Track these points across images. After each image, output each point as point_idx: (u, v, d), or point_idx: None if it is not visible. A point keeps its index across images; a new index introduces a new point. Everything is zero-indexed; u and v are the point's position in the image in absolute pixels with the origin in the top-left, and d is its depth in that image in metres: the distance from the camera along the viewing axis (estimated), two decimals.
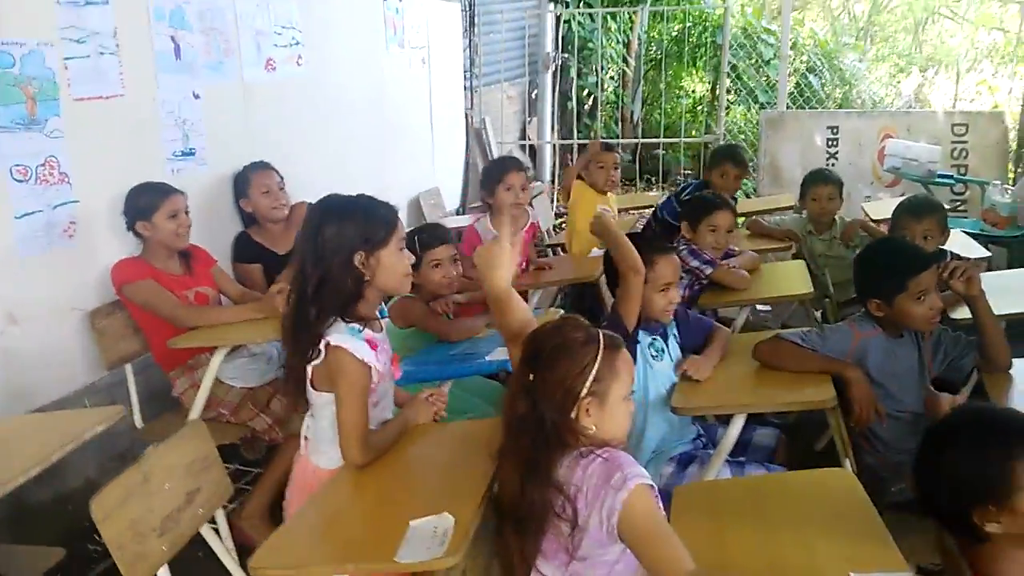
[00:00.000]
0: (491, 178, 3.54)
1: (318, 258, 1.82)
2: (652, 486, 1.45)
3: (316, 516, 1.64)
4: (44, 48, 2.78)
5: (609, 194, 4.20)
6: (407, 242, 2.64)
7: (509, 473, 1.54)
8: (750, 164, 6.19)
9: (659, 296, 2.33)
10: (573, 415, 1.50)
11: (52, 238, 2.83)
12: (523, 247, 3.58)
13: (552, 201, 6.75)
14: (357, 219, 1.84)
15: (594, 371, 1.49)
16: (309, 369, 1.84)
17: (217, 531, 2.21)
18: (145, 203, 2.88)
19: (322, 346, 1.80)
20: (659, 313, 2.36)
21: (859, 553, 1.46)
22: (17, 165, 2.69)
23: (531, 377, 1.52)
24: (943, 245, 3.08)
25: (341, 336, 1.79)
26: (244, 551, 2.06)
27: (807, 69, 8.45)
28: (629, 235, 2.64)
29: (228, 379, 2.81)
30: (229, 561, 1.98)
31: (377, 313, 1.95)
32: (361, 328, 1.84)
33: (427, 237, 2.76)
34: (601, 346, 1.52)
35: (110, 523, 1.59)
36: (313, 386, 1.86)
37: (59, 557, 2.06)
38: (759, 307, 4.86)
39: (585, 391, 1.50)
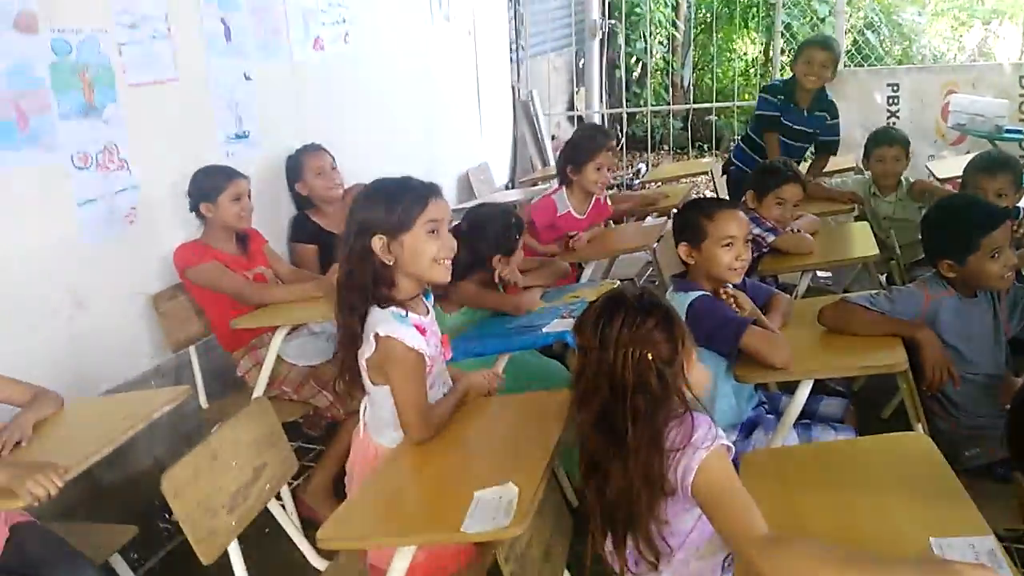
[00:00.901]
0: (581, 154, 3.52)
1: (346, 244, 1.82)
2: (730, 448, 1.43)
3: (380, 490, 1.64)
4: (99, 35, 2.83)
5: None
6: (501, 229, 2.71)
7: (644, 465, 1.49)
8: None
9: (722, 252, 2.26)
10: (681, 380, 1.51)
11: (114, 224, 2.89)
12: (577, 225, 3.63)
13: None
14: (379, 203, 1.81)
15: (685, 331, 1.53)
16: (362, 361, 1.83)
17: (283, 506, 2.25)
18: (211, 185, 2.92)
19: (372, 338, 1.78)
20: (725, 271, 2.27)
21: (938, 517, 1.41)
22: (78, 152, 2.75)
23: (645, 353, 1.49)
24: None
25: (388, 325, 1.77)
26: (309, 526, 2.10)
27: (865, 26, 8.15)
28: (686, 203, 2.62)
29: (290, 358, 2.85)
30: (296, 534, 2.00)
31: (421, 297, 1.91)
32: (405, 313, 1.82)
33: (518, 223, 2.77)
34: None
35: (181, 500, 1.62)
36: (369, 378, 1.85)
37: (132, 534, 2.11)
38: (819, 273, 4.74)
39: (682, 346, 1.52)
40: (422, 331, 1.82)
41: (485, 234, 2.74)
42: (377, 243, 1.79)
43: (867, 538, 1.41)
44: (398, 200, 1.80)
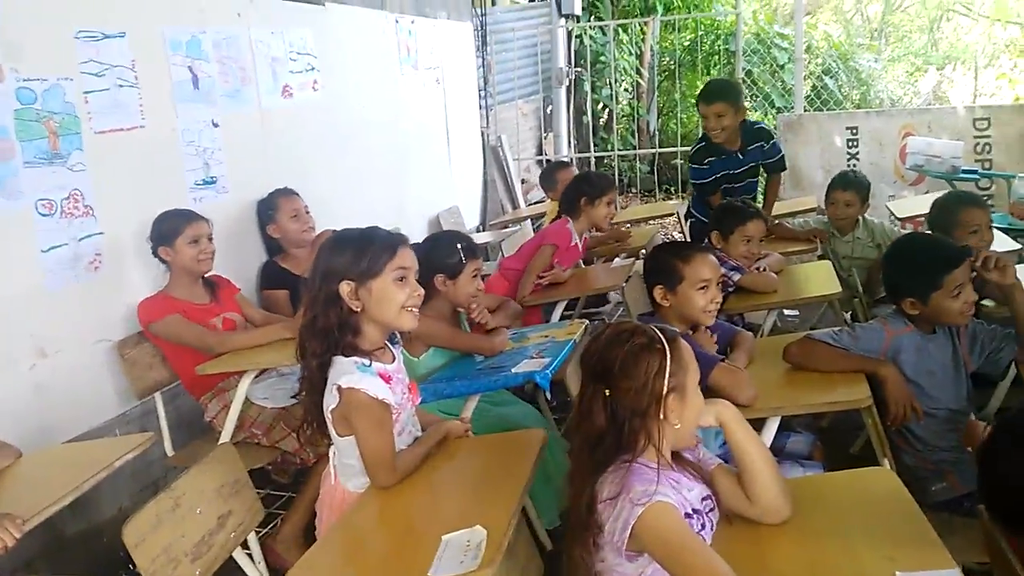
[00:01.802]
0: (596, 188, 3.86)
1: (311, 290, 1.83)
2: (674, 505, 1.41)
3: (347, 535, 1.62)
4: (64, 83, 2.82)
5: None
6: (443, 250, 2.69)
7: (579, 490, 1.51)
8: None
9: (698, 295, 2.30)
10: (661, 415, 1.49)
11: (78, 271, 2.86)
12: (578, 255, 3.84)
13: None
14: (348, 249, 1.82)
15: (668, 367, 1.49)
16: (327, 413, 1.81)
17: (250, 556, 2.21)
18: (167, 228, 2.91)
19: (335, 390, 1.77)
20: (699, 313, 2.32)
21: (904, 553, 1.42)
22: (42, 199, 2.73)
23: (607, 392, 1.50)
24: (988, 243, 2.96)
25: (351, 377, 1.76)
26: (279, 575, 2.06)
27: (823, 71, 8.40)
28: (658, 246, 2.65)
29: (259, 399, 2.83)
30: None
31: (386, 344, 1.91)
32: (368, 363, 1.81)
33: (467, 247, 2.72)
34: (666, 342, 1.51)
35: (143, 549, 1.59)
36: (334, 429, 1.83)
37: None
38: (786, 312, 4.81)
39: (666, 388, 1.49)
40: (387, 379, 1.81)
41: (429, 254, 2.71)
42: (345, 288, 1.79)
43: (834, 575, 1.42)
44: (367, 247, 1.81)
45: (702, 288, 2.30)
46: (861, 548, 1.46)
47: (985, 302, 2.64)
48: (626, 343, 1.51)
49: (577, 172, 4.60)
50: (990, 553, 1.56)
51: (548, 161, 7.71)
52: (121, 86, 3.07)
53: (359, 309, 1.80)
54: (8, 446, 2.07)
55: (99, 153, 2.93)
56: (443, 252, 2.70)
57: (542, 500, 2.62)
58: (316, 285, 1.82)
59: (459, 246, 2.69)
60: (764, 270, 3.17)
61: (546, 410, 3.18)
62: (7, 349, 2.60)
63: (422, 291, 1.87)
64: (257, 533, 2.55)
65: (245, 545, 2.14)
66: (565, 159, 7.69)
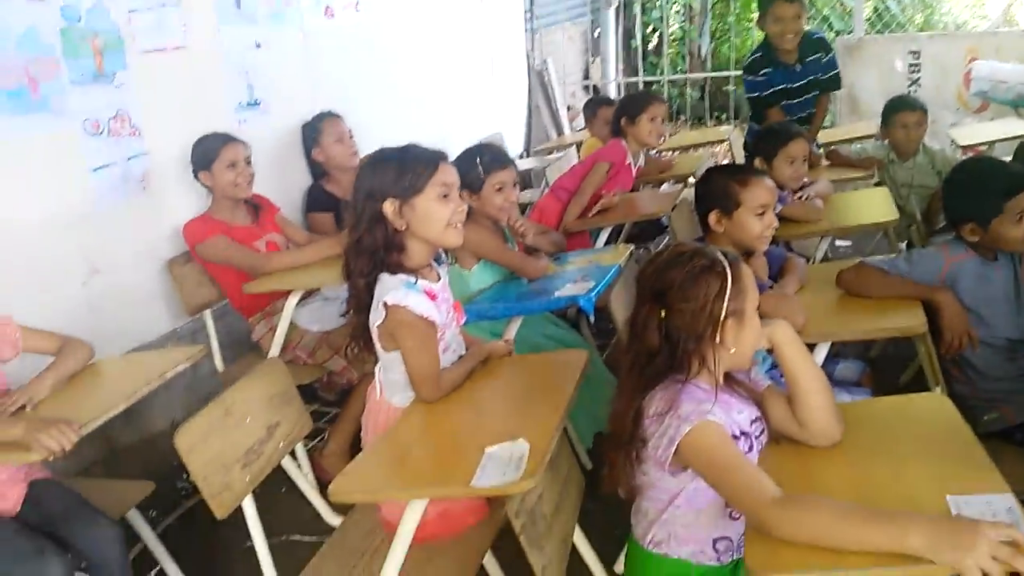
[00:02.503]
0: (635, 106, 3.74)
1: (355, 211, 1.81)
2: (722, 425, 1.40)
3: (392, 446, 1.64)
4: (108, 2, 2.81)
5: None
6: (464, 164, 2.64)
7: (627, 404, 1.50)
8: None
9: (755, 220, 2.24)
10: (717, 339, 1.47)
11: (128, 190, 2.90)
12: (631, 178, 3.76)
13: None
14: (389, 168, 1.79)
15: (728, 291, 1.45)
16: (374, 329, 1.82)
17: (299, 466, 2.27)
18: (203, 153, 2.91)
19: (381, 306, 1.77)
20: (755, 239, 2.26)
21: (955, 476, 1.38)
22: (89, 119, 2.75)
23: (663, 313, 1.48)
24: None
25: (397, 293, 1.75)
26: (325, 488, 2.11)
27: None
28: (712, 168, 2.57)
29: (304, 323, 2.86)
30: (310, 491, 2.02)
31: (432, 262, 1.90)
32: (415, 280, 1.80)
33: (490, 160, 2.65)
34: (727, 265, 1.47)
35: (195, 455, 1.62)
36: (380, 344, 1.84)
37: (149, 490, 2.13)
38: (839, 242, 4.69)
39: (724, 313, 1.46)
40: (433, 297, 1.81)
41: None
42: (389, 207, 1.77)
43: (883, 496, 1.39)
44: (408, 165, 1.79)
45: (760, 213, 2.23)
46: (911, 471, 1.43)
47: None
48: (687, 264, 1.47)
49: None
50: None
51: (595, 87, 7.54)
52: (164, 5, 3.05)
53: (404, 227, 1.79)
54: (80, 345, 2.10)
55: (143, 73, 2.94)
56: (464, 166, 2.64)
57: (580, 423, 2.63)
58: (360, 205, 1.80)
59: (478, 159, 2.62)
60: (810, 198, 3.07)
61: (588, 336, 3.17)
62: (61, 266, 2.67)
63: (465, 207, 1.85)
64: (304, 446, 2.64)
65: (294, 456, 2.21)
66: (611, 89, 7.51)
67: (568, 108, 7.00)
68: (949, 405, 1.65)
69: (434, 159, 1.82)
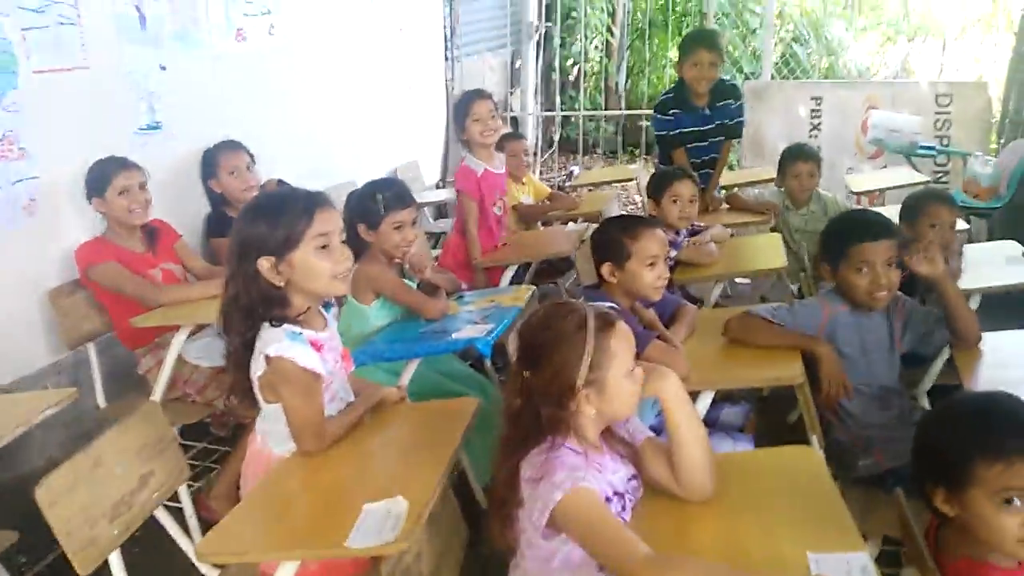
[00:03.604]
0: (459, 113, 3.58)
1: (229, 266, 1.73)
2: (594, 491, 1.41)
3: (268, 501, 1.60)
4: (1, 18, 2.70)
5: (527, 177, 4.47)
6: (363, 200, 2.62)
7: (502, 464, 1.50)
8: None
9: (646, 271, 2.28)
10: (573, 407, 1.47)
11: (12, 215, 2.77)
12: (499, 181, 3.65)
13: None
14: (261, 222, 1.69)
15: (587, 360, 1.44)
16: (254, 379, 1.75)
17: (181, 510, 2.18)
18: (96, 179, 2.82)
19: (262, 358, 1.70)
20: (648, 289, 2.30)
21: (817, 533, 1.44)
22: None
23: (525, 374, 1.48)
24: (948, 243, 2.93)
25: (280, 345, 1.68)
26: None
27: (793, 39, 8.36)
28: (605, 220, 2.61)
29: (194, 358, 2.77)
30: (185, 543, 1.94)
31: (319, 309, 1.84)
32: (299, 331, 1.73)
33: (391, 198, 2.62)
34: (591, 332, 1.46)
35: (57, 509, 1.56)
36: (262, 396, 1.78)
37: (11, 540, 2.03)
38: (738, 281, 4.85)
39: (582, 382, 1.45)
40: (318, 348, 1.75)
41: (353, 202, 2.67)
42: (264, 264, 1.69)
43: (750, 553, 1.43)
44: (282, 217, 1.69)
45: (650, 264, 2.28)
46: (777, 527, 1.48)
47: None
48: (551, 327, 1.48)
49: (525, 144, 4.49)
50: (902, 528, 1.61)
51: (514, 119, 7.62)
52: (62, 23, 2.95)
53: (283, 283, 1.71)
54: None
55: (37, 93, 2.83)
56: (364, 202, 2.63)
57: (478, 461, 2.63)
58: (234, 261, 1.72)
59: (379, 196, 2.60)
60: (704, 243, 3.17)
61: (492, 371, 3.17)
62: None
63: (350, 254, 1.78)
64: (191, 488, 2.55)
65: (177, 500, 2.13)
66: (529, 122, 7.60)
67: None
68: (818, 459, 1.72)
69: (309, 208, 1.72)
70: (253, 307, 1.71)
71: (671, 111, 4.06)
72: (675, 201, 3.19)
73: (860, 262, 2.21)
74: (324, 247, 1.72)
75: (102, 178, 2.81)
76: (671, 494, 1.58)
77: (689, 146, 4.09)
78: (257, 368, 1.72)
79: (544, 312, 1.53)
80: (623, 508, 1.49)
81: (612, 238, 2.32)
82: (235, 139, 3.49)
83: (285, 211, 1.70)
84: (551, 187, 4.94)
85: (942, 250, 2.43)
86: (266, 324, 1.72)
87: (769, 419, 3.10)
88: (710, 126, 4.10)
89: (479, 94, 3.61)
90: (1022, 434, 1.34)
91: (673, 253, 3.08)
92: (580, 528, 1.37)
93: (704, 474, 1.54)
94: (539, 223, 4.44)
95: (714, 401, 2.27)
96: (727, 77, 4.41)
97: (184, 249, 3.10)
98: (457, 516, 1.81)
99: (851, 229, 2.28)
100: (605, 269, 2.32)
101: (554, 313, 1.51)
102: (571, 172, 7.38)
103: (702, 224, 3.37)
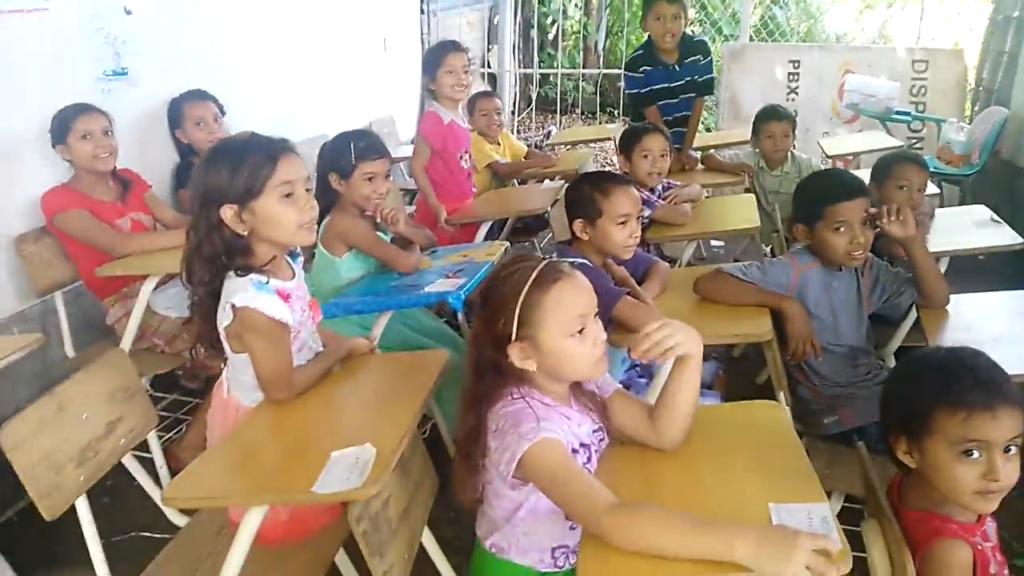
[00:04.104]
0: (431, 62, 3.52)
1: (192, 214, 1.69)
2: (560, 441, 1.41)
3: (235, 448, 1.59)
4: None
5: (502, 135, 4.43)
6: (336, 149, 2.58)
7: (467, 416, 1.50)
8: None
9: (617, 229, 2.27)
10: (509, 359, 1.46)
11: None
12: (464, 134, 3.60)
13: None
14: (223, 169, 1.64)
15: (516, 314, 1.42)
16: (221, 330, 1.72)
17: (152, 461, 2.18)
18: (58, 125, 2.76)
19: (228, 308, 1.67)
20: (618, 248, 2.30)
21: (779, 485, 1.45)
22: None
23: (479, 323, 1.48)
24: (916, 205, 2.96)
25: (246, 295, 1.65)
26: None
27: (772, 1, 8.31)
28: (579, 176, 2.59)
29: (163, 309, 2.75)
30: (154, 490, 1.94)
31: (286, 258, 1.81)
32: (266, 280, 1.69)
33: (364, 148, 2.57)
34: (527, 287, 1.43)
35: (21, 452, 1.54)
36: (229, 346, 1.76)
37: None
38: (712, 243, 4.87)
39: (513, 335, 1.43)
40: (285, 297, 1.73)
41: (325, 152, 2.63)
42: (227, 213, 1.65)
43: (712, 502, 1.45)
44: (243, 164, 1.64)
45: (621, 223, 2.27)
46: (740, 478, 1.49)
47: None
48: (497, 277, 1.47)
49: (497, 102, 4.41)
50: (863, 480, 1.64)
51: (492, 76, 7.54)
52: None
53: (247, 232, 1.68)
54: None
55: None
56: (336, 151, 2.59)
57: (454, 414, 2.63)
58: (196, 209, 1.67)
59: (351, 145, 2.56)
60: (678, 201, 3.17)
61: (464, 326, 3.17)
62: None
63: (315, 203, 1.74)
64: (161, 438, 2.54)
65: (146, 450, 2.12)
66: (507, 79, 7.52)
67: None
68: (783, 414, 1.73)
69: (272, 154, 1.67)
70: (216, 256, 1.67)
71: (641, 68, 4.08)
72: (646, 156, 3.19)
73: (838, 221, 2.22)
74: (288, 195, 1.68)
75: (63, 124, 2.75)
76: (636, 445, 1.59)
77: (660, 103, 4.11)
78: (224, 318, 1.70)
79: (500, 264, 1.53)
80: (588, 459, 1.50)
81: (584, 195, 2.31)
82: (203, 89, 3.41)
83: (247, 158, 1.65)
84: (528, 146, 4.90)
85: (909, 207, 2.45)
86: (231, 273, 1.69)
87: (739, 379, 3.15)
88: (679, 82, 4.11)
89: (455, 46, 3.55)
90: (984, 387, 1.36)
91: (647, 212, 3.08)
92: (546, 477, 1.38)
93: (681, 431, 1.56)
94: (515, 181, 4.42)
95: None
96: (698, 35, 4.39)
97: (153, 199, 3.05)
98: (427, 464, 1.82)
99: (828, 189, 2.29)
100: (577, 226, 2.31)
101: (507, 264, 1.50)
102: (549, 132, 7.35)
103: (678, 183, 3.37)
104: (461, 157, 3.56)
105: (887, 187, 2.88)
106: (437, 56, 3.50)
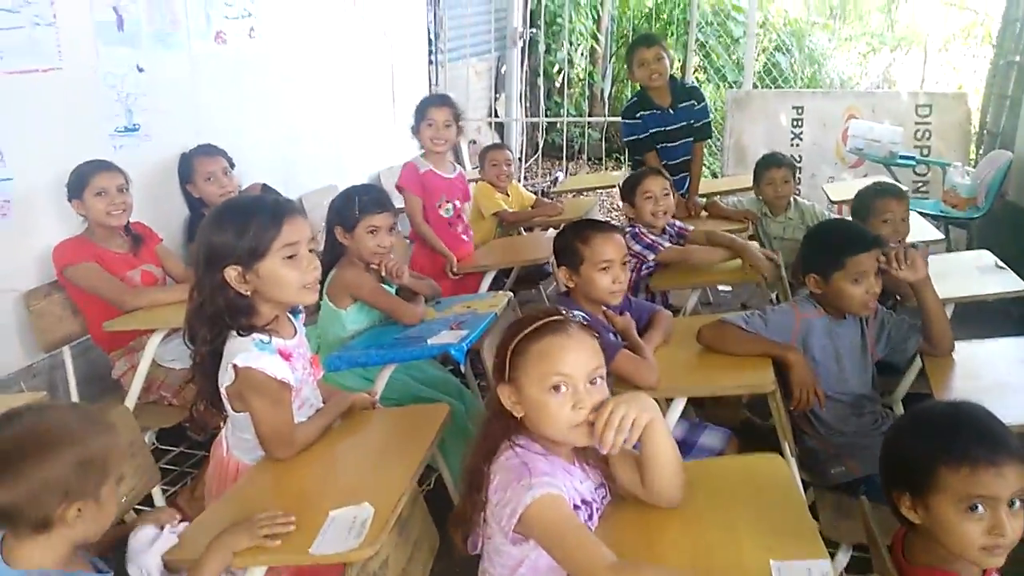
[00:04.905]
0: (416, 115, 3.61)
1: (196, 273, 1.71)
2: (563, 497, 1.41)
3: (234, 508, 1.59)
4: None
5: (511, 187, 4.47)
6: (341, 203, 2.61)
7: (472, 466, 1.51)
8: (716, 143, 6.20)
9: (601, 275, 2.29)
10: (503, 398, 1.47)
11: None
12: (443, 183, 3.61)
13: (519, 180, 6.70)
14: (228, 229, 1.66)
15: (507, 356, 1.45)
16: (222, 389, 1.73)
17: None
18: (75, 181, 2.82)
19: (230, 368, 1.68)
20: (604, 294, 2.30)
21: (781, 541, 1.45)
22: None
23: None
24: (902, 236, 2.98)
25: (248, 355, 1.66)
26: None
27: (775, 48, 8.42)
28: (564, 226, 2.61)
29: (168, 361, 2.76)
30: None
31: (288, 315, 1.83)
32: (268, 339, 1.71)
33: (367, 202, 2.60)
34: (525, 332, 1.45)
35: None
36: (230, 405, 1.76)
37: None
38: (720, 288, 4.87)
39: (506, 376, 1.46)
40: (287, 356, 1.74)
41: (331, 205, 2.67)
42: (231, 273, 1.67)
43: (714, 559, 1.44)
44: (249, 225, 1.66)
45: (603, 268, 2.28)
46: (741, 534, 1.48)
47: None
48: (515, 320, 1.50)
49: (508, 154, 4.47)
50: (866, 535, 1.62)
51: (499, 125, 7.64)
52: (38, 24, 2.93)
53: (250, 292, 1.69)
54: None
55: (11, 95, 2.81)
56: (341, 205, 2.63)
57: (455, 463, 2.61)
58: (200, 269, 1.69)
59: (356, 199, 2.60)
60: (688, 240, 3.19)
61: (469, 376, 3.17)
62: None
63: (318, 263, 1.76)
64: (167, 492, 2.54)
65: (150, 505, 2.12)
66: (514, 128, 7.62)
67: (472, 143, 7.06)
68: (785, 468, 1.72)
69: (277, 216, 1.69)
70: (219, 316, 1.68)
71: (637, 114, 4.16)
72: (648, 197, 3.21)
73: (857, 273, 2.23)
74: (292, 257, 1.70)
75: (80, 179, 2.80)
76: (639, 501, 1.58)
77: (659, 147, 4.17)
78: (225, 378, 1.71)
79: (532, 308, 1.55)
80: (589, 517, 1.50)
81: (566, 244, 2.35)
82: (212, 143, 3.48)
83: (252, 220, 1.67)
84: (535, 193, 4.95)
85: (895, 239, 2.46)
86: (234, 333, 1.70)
87: (755, 429, 3.10)
88: (675, 125, 4.18)
89: (441, 100, 3.63)
90: (986, 441, 1.35)
91: (651, 256, 3.09)
92: (547, 533, 1.38)
93: (674, 488, 1.54)
94: (521, 229, 4.46)
95: (695, 424, 2.27)
96: (687, 81, 4.47)
97: (165, 251, 3.10)
98: (427, 522, 1.81)
99: (847, 240, 2.30)
100: (562, 274, 2.34)
101: (532, 311, 1.52)
102: (556, 178, 7.41)
103: (690, 228, 3.38)
104: (440, 206, 3.59)
105: (872, 223, 2.88)
106: (421, 108, 3.59)
